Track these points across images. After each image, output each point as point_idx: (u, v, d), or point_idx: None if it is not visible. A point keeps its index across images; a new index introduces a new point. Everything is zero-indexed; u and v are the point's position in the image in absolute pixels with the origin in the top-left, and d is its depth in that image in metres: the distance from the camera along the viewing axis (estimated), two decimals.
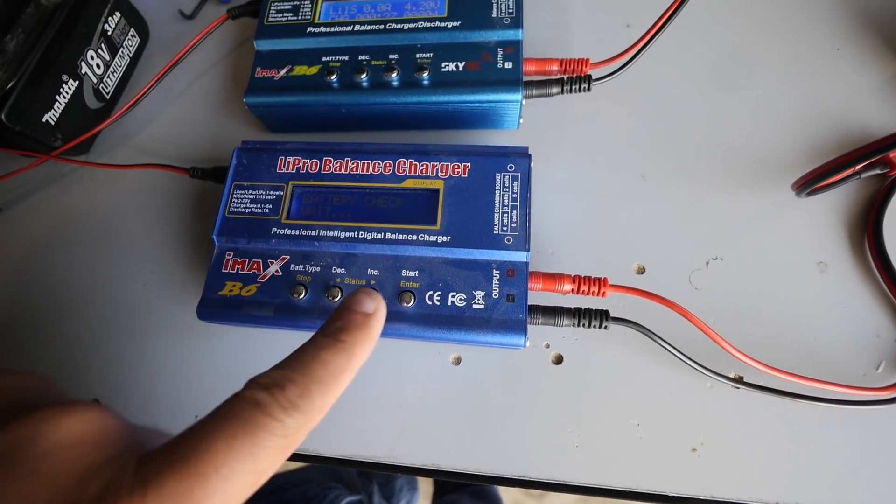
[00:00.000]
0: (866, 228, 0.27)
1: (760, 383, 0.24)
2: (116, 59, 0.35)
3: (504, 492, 0.82)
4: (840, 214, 0.28)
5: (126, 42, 0.35)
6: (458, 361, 0.27)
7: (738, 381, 0.25)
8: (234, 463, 0.13)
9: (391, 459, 0.25)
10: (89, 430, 0.13)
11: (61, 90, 0.31)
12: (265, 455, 0.13)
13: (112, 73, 0.35)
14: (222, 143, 0.33)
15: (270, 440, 0.13)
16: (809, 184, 0.25)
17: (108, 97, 0.35)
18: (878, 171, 0.26)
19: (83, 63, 0.32)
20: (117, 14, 0.34)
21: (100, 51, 0.33)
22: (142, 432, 0.15)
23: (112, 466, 0.13)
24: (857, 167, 0.25)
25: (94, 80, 0.33)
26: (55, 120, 0.31)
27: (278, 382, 0.15)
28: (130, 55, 0.36)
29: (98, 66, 0.33)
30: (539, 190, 0.29)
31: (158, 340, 0.29)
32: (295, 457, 0.26)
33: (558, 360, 0.26)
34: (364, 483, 0.66)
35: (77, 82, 0.32)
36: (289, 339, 0.28)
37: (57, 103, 0.31)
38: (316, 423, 0.15)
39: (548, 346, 0.27)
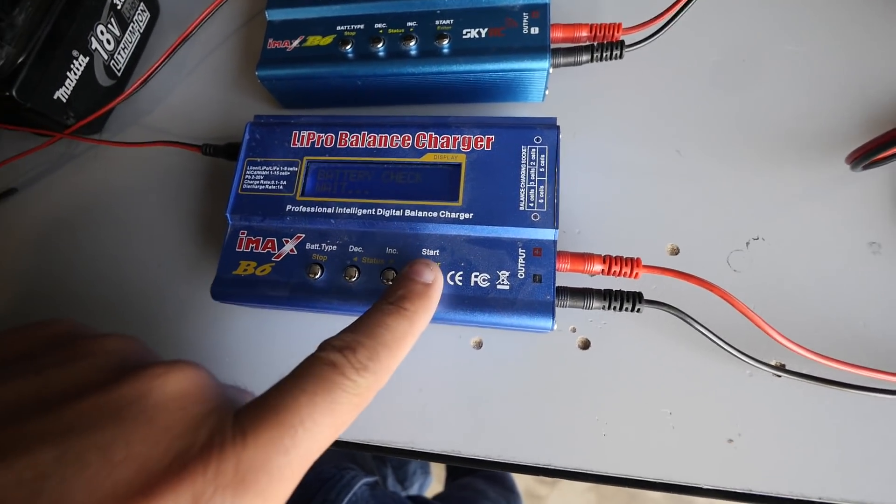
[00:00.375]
0: None
1: (804, 371, 0.23)
2: (127, 35, 0.34)
3: (517, 477, 0.81)
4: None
5: (136, 17, 0.34)
6: (479, 345, 0.26)
7: (780, 368, 0.23)
8: (316, 417, 0.15)
9: (411, 445, 0.25)
10: (192, 385, 0.15)
11: (72, 66, 0.30)
12: (341, 410, 0.15)
13: (123, 49, 0.34)
14: (235, 119, 0.32)
15: (345, 397, 0.15)
16: (867, 156, 0.23)
17: (119, 74, 0.34)
18: None
19: (93, 38, 0.31)
20: None
21: (110, 25, 0.32)
22: (229, 388, 0.17)
23: (214, 417, 0.14)
24: None
25: (105, 57, 0.33)
26: (67, 97, 0.30)
27: (349, 345, 0.16)
28: (141, 30, 0.35)
29: (108, 41, 0.33)
30: (565, 166, 0.28)
31: (172, 320, 0.28)
32: None
33: (585, 344, 0.25)
34: (378, 466, 0.67)
35: (87, 58, 0.31)
36: (304, 320, 0.27)
37: (68, 80, 0.30)
38: (383, 384, 0.17)
39: (574, 329, 0.25)
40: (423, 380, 0.25)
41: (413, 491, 0.75)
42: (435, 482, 0.84)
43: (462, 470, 0.80)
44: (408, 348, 0.18)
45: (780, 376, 0.23)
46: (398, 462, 0.71)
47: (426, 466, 0.78)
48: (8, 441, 0.12)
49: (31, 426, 0.13)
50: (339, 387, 0.15)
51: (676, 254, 0.26)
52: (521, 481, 0.88)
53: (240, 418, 0.15)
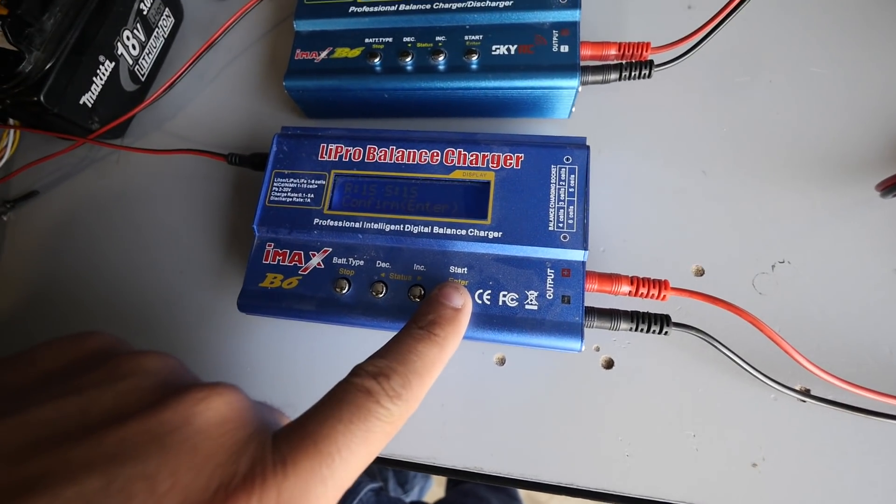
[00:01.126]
0: None
1: (829, 397, 0.23)
2: (151, 40, 0.34)
3: None
4: None
5: (161, 22, 0.34)
6: (502, 362, 0.26)
7: (805, 393, 0.23)
8: (352, 446, 0.15)
9: (432, 460, 0.25)
10: (232, 409, 0.15)
11: (98, 71, 0.30)
12: (375, 438, 0.15)
13: (147, 55, 0.34)
14: (258, 129, 0.32)
15: (379, 426, 0.15)
16: None
17: (143, 79, 0.34)
18: None
19: (119, 43, 0.31)
20: None
21: (136, 31, 0.32)
22: (262, 408, 0.17)
23: (254, 443, 0.14)
24: None
25: (130, 62, 0.33)
26: (92, 102, 0.31)
27: (383, 372, 0.16)
28: (165, 36, 0.35)
29: (134, 46, 0.33)
30: (591, 183, 0.27)
31: (193, 328, 0.28)
32: None
33: (609, 364, 0.25)
34: (380, 469, 0.67)
35: (113, 63, 0.31)
36: (327, 333, 0.27)
37: (94, 85, 0.30)
38: (413, 411, 0.17)
39: (598, 349, 0.25)
40: (445, 395, 0.25)
41: (414, 494, 0.75)
42: (435, 486, 0.84)
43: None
44: (437, 374, 0.18)
45: (804, 401, 0.23)
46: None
47: None
48: (55, 466, 0.12)
49: (76, 452, 0.13)
50: (374, 415, 0.15)
51: (702, 275, 0.26)
52: (522, 492, 0.88)
53: (278, 445, 0.15)
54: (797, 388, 0.23)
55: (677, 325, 0.23)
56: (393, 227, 0.24)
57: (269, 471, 0.14)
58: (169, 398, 0.14)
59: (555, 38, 0.26)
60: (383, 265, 0.24)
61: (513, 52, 0.26)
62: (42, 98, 0.27)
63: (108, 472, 0.12)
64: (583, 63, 0.27)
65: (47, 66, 0.28)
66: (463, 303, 0.20)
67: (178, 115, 0.34)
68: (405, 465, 0.25)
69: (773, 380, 0.23)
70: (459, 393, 0.25)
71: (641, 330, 0.23)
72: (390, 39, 0.28)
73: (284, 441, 0.15)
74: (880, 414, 0.22)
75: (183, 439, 0.14)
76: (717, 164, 0.28)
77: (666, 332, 0.23)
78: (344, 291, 0.23)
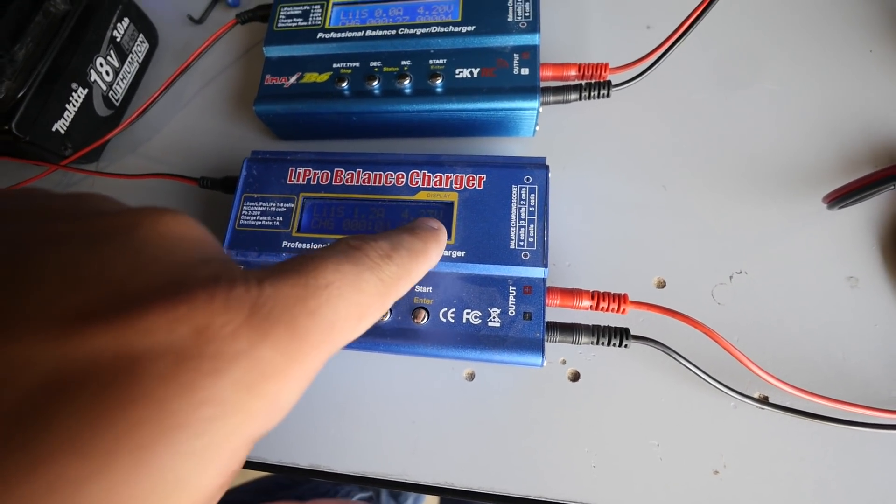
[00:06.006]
0: None
1: (786, 404, 0.23)
2: (125, 66, 0.34)
3: None
4: (872, 226, 0.26)
5: (135, 48, 0.35)
6: (471, 377, 0.26)
7: (763, 401, 0.24)
8: (343, 288, 0.12)
9: (404, 477, 0.25)
10: (191, 230, 0.12)
11: (71, 98, 0.31)
12: (367, 290, 0.13)
13: (121, 80, 0.34)
14: (232, 151, 0.33)
15: (372, 279, 0.14)
16: (844, 198, 0.24)
17: (117, 104, 0.34)
18: None
19: (92, 70, 0.32)
20: (126, 20, 0.34)
21: (109, 57, 0.33)
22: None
23: (218, 262, 0.11)
24: None
25: (104, 88, 0.33)
26: (65, 129, 0.31)
27: (372, 238, 0.15)
28: (139, 61, 0.36)
29: (107, 73, 0.33)
30: (556, 200, 0.28)
31: None
32: (308, 473, 0.26)
33: (575, 376, 0.26)
34: None
35: (86, 90, 0.32)
36: None
37: (67, 112, 0.31)
38: (405, 288, 0.15)
39: (564, 362, 0.26)
40: (416, 411, 0.26)
41: None
42: (428, 497, 0.84)
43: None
44: (422, 269, 0.17)
45: (763, 409, 0.24)
46: None
47: None
48: None
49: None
50: (366, 265, 0.14)
51: (663, 287, 0.27)
52: None
53: (253, 272, 0.12)
54: (756, 396, 0.24)
55: (636, 337, 0.23)
56: None
57: (239, 283, 0.11)
58: (108, 213, 0.11)
59: (516, 61, 0.27)
60: None
61: (476, 76, 0.27)
62: (13, 127, 0.28)
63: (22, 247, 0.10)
64: (544, 84, 0.28)
65: (19, 95, 0.28)
66: (439, 226, 0.19)
67: (153, 138, 0.34)
68: (377, 483, 0.25)
69: (731, 389, 0.23)
70: (430, 409, 0.26)
71: (602, 343, 0.23)
72: (357, 64, 0.28)
73: (260, 272, 0.12)
74: (836, 420, 0.23)
75: (123, 242, 0.11)
76: (676, 178, 0.28)
77: (626, 345, 0.23)
78: None
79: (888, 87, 0.29)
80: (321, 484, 0.54)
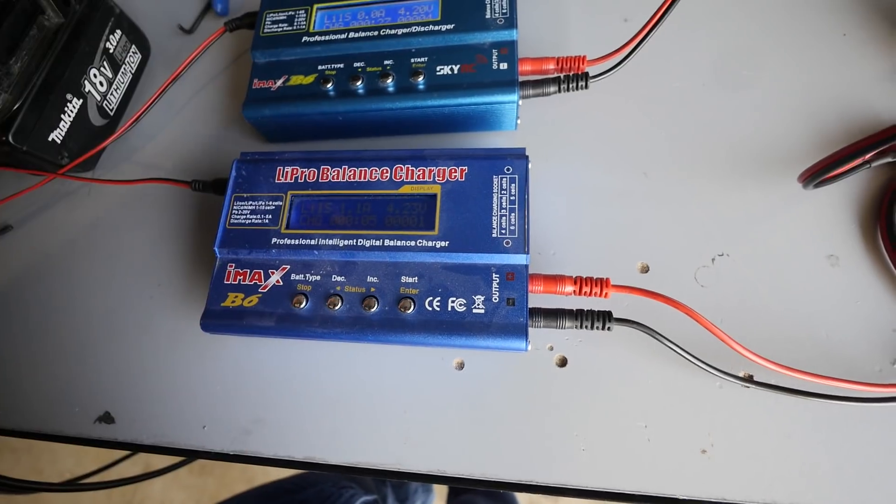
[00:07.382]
0: (879, 219, 0.26)
1: (771, 382, 0.24)
2: (119, 76, 0.35)
3: (518, 493, 0.81)
4: (850, 205, 0.27)
5: (128, 59, 0.36)
6: (461, 366, 0.27)
7: (748, 380, 0.24)
8: None
9: (398, 466, 0.25)
10: None
11: (66, 109, 0.32)
12: None
13: (115, 90, 0.35)
14: (223, 155, 0.34)
15: None
16: (817, 175, 0.24)
17: (111, 113, 0.35)
18: (889, 160, 0.25)
19: (86, 81, 0.33)
20: (118, 32, 0.35)
21: (102, 69, 0.34)
22: None
23: None
24: (868, 156, 0.24)
25: (98, 98, 0.34)
26: (61, 138, 0.32)
27: None
28: (132, 71, 0.36)
29: (101, 83, 0.34)
30: (540, 190, 0.29)
31: (165, 352, 0.29)
32: (303, 465, 0.26)
33: (562, 362, 0.26)
34: (378, 485, 0.66)
35: (81, 101, 0.33)
36: (291, 347, 0.28)
37: (62, 122, 0.32)
38: None
39: (551, 348, 0.26)
40: (407, 401, 0.26)
41: None
42: (437, 499, 0.83)
43: (462, 487, 0.80)
44: None
45: (748, 387, 0.24)
46: (398, 481, 0.71)
47: (427, 485, 0.77)
48: None
49: None
50: None
51: (647, 271, 0.27)
52: (522, 497, 0.88)
53: None
54: (741, 374, 0.24)
55: (619, 320, 0.24)
56: (346, 242, 0.25)
57: None
58: None
59: (494, 57, 0.28)
60: (338, 279, 0.25)
61: (456, 72, 0.28)
62: (10, 138, 0.29)
63: None
64: (523, 78, 0.28)
65: (15, 107, 0.29)
66: None
67: (148, 145, 0.35)
68: (372, 473, 0.26)
69: (716, 368, 0.24)
70: (421, 398, 0.26)
71: (586, 327, 0.24)
72: (342, 65, 0.29)
73: None
74: (821, 395, 0.23)
75: None
76: (656, 165, 0.29)
77: (609, 328, 0.24)
78: (302, 306, 0.24)
79: (862, 69, 0.29)
80: (324, 489, 0.54)
